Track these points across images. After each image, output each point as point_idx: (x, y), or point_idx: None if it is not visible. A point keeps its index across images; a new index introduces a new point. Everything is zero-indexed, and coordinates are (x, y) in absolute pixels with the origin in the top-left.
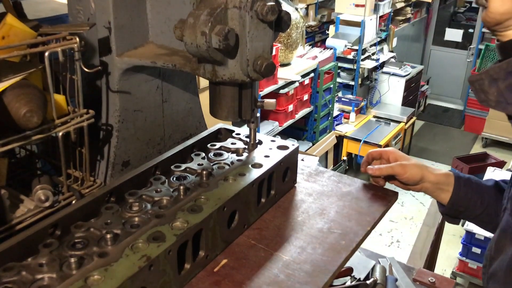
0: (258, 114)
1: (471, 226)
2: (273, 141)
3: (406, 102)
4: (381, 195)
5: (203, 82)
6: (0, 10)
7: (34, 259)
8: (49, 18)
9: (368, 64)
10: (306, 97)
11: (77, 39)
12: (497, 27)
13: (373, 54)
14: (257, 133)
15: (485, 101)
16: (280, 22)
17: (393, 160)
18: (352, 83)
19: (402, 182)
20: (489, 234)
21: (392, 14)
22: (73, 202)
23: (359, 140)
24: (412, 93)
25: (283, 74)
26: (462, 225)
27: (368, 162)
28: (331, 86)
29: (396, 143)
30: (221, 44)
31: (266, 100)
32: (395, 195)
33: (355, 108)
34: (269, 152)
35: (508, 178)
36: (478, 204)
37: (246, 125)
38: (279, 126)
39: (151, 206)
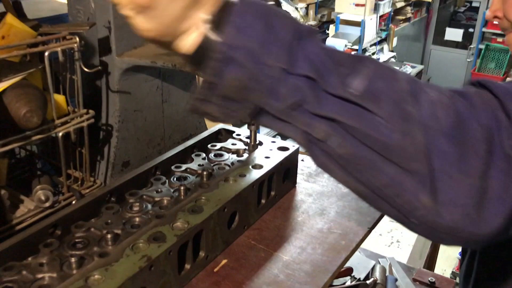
0: None
1: None
2: (273, 142)
3: None
4: None
5: None
6: (0, 10)
7: (35, 259)
8: (49, 17)
9: None
10: None
11: (77, 39)
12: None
13: (373, 53)
14: (257, 134)
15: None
16: None
17: None
18: None
19: None
20: None
21: (392, 13)
22: (73, 202)
23: None
24: None
25: None
26: None
27: None
28: None
29: None
30: None
31: None
32: None
33: None
34: (269, 153)
35: None
36: None
37: (246, 126)
38: None
39: (152, 206)
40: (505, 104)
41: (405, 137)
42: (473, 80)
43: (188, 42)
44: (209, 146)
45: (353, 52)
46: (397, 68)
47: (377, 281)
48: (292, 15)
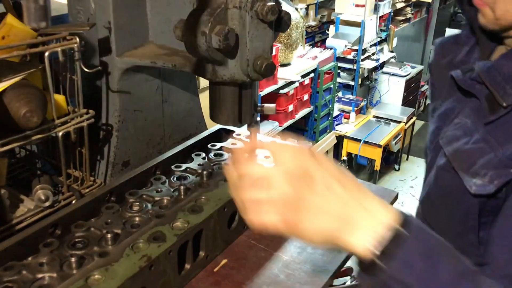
0: (258, 118)
1: None
2: None
3: (406, 102)
4: (381, 195)
5: (203, 82)
6: (0, 10)
7: (35, 259)
8: None
9: (368, 64)
10: (306, 97)
11: (77, 39)
12: None
13: (373, 54)
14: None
15: None
16: (280, 22)
17: None
18: (352, 83)
19: None
20: None
21: (392, 14)
22: (73, 202)
23: (359, 140)
24: (412, 93)
25: (283, 74)
26: None
27: None
28: (331, 86)
29: (396, 143)
30: (221, 44)
31: (266, 105)
32: (395, 195)
33: (355, 108)
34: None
35: None
36: None
37: (246, 126)
38: (279, 126)
39: (152, 206)
40: None
41: None
42: None
43: (355, 245)
44: (209, 145)
45: (352, 53)
46: (397, 68)
47: None
48: (456, 252)
